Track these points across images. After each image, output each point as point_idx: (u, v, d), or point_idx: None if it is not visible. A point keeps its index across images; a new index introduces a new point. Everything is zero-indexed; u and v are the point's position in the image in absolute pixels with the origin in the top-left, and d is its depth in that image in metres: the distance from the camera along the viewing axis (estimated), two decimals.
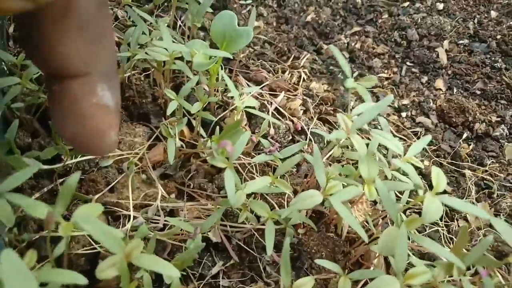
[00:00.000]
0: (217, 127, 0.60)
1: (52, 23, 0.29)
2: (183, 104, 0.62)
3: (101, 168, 0.63)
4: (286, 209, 0.52)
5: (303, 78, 0.86)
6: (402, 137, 0.79)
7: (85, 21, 0.30)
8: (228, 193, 0.46)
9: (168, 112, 0.60)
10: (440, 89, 0.92)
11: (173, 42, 0.72)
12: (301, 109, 0.79)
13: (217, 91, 0.74)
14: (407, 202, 0.56)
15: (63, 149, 0.59)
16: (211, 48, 0.64)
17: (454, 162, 0.77)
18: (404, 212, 0.62)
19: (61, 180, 0.59)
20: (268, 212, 0.53)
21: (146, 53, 0.62)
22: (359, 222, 0.48)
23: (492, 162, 0.78)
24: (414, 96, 0.89)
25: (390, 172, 0.53)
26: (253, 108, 0.60)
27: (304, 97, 0.81)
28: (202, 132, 0.69)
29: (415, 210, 0.62)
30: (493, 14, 1.10)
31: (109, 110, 0.33)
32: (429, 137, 0.54)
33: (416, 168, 0.53)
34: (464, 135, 0.82)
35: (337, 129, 0.78)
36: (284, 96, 0.79)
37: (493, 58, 0.99)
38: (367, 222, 0.56)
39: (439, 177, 0.47)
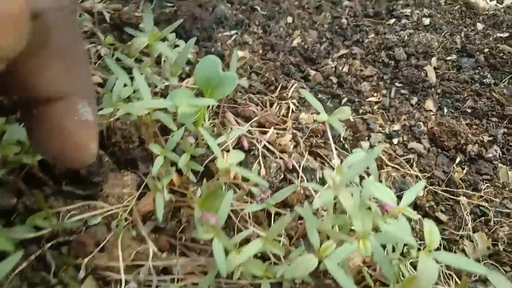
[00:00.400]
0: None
1: (33, 55, 0.32)
2: (170, 157, 0.61)
3: (90, 227, 0.62)
4: (281, 267, 0.51)
5: (292, 109, 0.85)
6: (395, 166, 0.78)
7: (62, 50, 0.34)
8: (218, 265, 0.45)
9: (155, 169, 0.58)
10: (431, 110, 0.91)
11: (155, 93, 0.71)
12: (291, 144, 0.78)
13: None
14: (402, 255, 0.55)
15: (48, 213, 0.58)
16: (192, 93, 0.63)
17: (449, 189, 0.76)
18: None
19: (49, 244, 0.58)
20: (263, 271, 0.51)
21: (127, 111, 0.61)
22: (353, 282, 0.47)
23: (487, 186, 0.77)
24: (404, 119, 0.88)
25: (384, 224, 0.52)
26: (240, 164, 0.58)
27: (294, 131, 0.79)
28: (192, 177, 0.68)
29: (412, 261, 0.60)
30: (480, 26, 1.10)
31: (89, 125, 0.37)
32: (422, 183, 0.53)
33: (410, 220, 0.52)
34: (457, 159, 0.81)
35: (329, 163, 0.77)
36: (273, 131, 0.78)
37: (481, 73, 0.98)
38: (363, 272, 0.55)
39: (432, 234, 0.46)
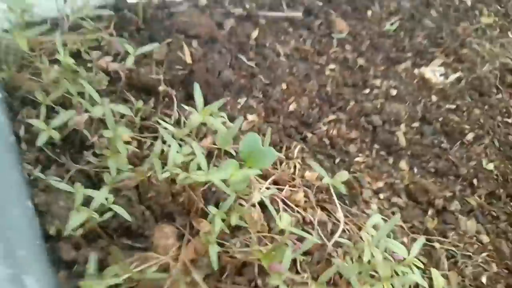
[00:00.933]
0: None
1: None
2: (221, 216, 0.73)
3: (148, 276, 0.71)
4: None
5: (298, 168, 1.01)
6: (385, 217, 0.96)
7: None
8: None
9: (216, 229, 0.70)
10: (404, 169, 1.12)
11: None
12: (304, 200, 0.93)
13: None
14: None
15: (126, 264, 0.66)
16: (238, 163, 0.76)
17: (426, 236, 0.95)
18: None
19: None
20: None
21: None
22: None
23: (453, 234, 0.98)
24: (385, 177, 1.08)
25: (400, 270, 0.68)
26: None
27: (305, 188, 0.95)
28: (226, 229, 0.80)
29: None
30: (434, 98, 1.36)
31: None
32: (422, 239, 0.70)
33: (418, 267, 0.69)
34: (429, 212, 1.02)
35: (334, 216, 0.93)
36: (288, 188, 0.93)
37: (439, 139, 1.23)
38: None
39: (438, 279, 0.63)
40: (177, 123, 1.05)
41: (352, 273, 0.65)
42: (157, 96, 1.11)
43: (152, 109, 1.07)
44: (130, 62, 1.05)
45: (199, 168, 0.77)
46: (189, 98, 1.11)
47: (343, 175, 0.91)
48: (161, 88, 1.10)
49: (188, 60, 1.21)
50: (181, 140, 0.87)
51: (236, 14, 1.42)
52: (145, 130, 1.03)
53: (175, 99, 1.08)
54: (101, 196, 0.73)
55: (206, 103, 1.01)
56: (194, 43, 1.27)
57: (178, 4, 1.42)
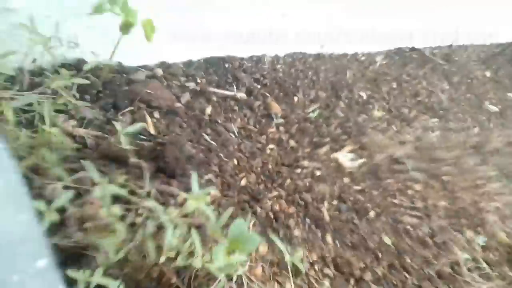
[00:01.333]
0: None
1: None
2: None
3: None
4: None
5: None
6: None
7: None
8: None
9: None
10: (330, 242, 1.38)
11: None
12: (261, 273, 1.09)
13: None
14: None
15: None
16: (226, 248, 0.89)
17: None
18: None
19: None
20: None
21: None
22: None
23: None
24: (318, 250, 1.31)
25: None
26: None
27: (262, 263, 1.11)
28: None
29: None
30: (346, 180, 1.68)
31: None
32: None
33: None
34: (351, 281, 1.27)
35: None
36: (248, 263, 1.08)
37: (352, 215, 1.53)
38: None
39: None
40: (148, 196, 1.12)
41: None
42: (127, 166, 1.16)
43: (126, 181, 1.12)
44: (124, 140, 1.08)
45: (191, 251, 0.87)
46: (158, 171, 1.20)
47: (299, 252, 1.11)
48: (132, 159, 1.16)
49: (152, 131, 1.30)
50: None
51: (190, 88, 1.56)
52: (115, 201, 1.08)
53: (146, 172, 1.15)
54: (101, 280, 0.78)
55: (174, 176, 1.12)
56: (156, 114, 1.37)
57: (136, 71, 1.50)
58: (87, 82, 1.16)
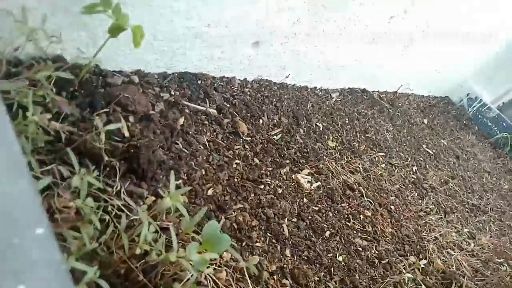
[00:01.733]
0: None
1: None
2: None
3: None
4: None
5: None
6: None
7: None
8: None
9: None
10: (288, 256, 1.44)
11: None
12: (225, 278, 1.12)
13: None
14: None
15: None
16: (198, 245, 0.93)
17: None
18: None
19: None
20: None
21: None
22: None
23: None
24: (277, 262, 1.37)
25: None
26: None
27: (226, 268, 1.15)
28: None
29: None
30: (305, 199, 1.77)
31: None
32: None
33: None
34: None
35: None
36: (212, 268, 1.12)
37: (309, 233, 1.61)
38: None
39: None
40: (117, 195, 1.13)
41: None
42: (99, 164, 1.17)
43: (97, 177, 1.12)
44: (103, 137, 1.09)
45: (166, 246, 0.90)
46: (129, 171, 1.21)
47: (254, 259, 1.16)
48: (106, 158, 1.17)
49: (126, 133, 1.31)
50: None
51: (164, 98, 1.60)
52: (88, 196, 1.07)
53: (118, 171, 1.16)
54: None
55: (144, 179, 1.15)
56: (131, 118, 1.39)
57: (112, 75, 1.52)
58: (70, 76, 1.17)
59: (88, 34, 1.33)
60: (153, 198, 1.17)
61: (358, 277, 1.56)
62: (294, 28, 2.01)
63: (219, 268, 1.13)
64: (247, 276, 1.12)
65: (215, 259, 1.15)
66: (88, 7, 1.18)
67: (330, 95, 2.87)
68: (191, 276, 0.89)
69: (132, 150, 1.25)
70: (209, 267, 1.04)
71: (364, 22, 2.30)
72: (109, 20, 1.21)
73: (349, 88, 3.04)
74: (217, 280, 1.07)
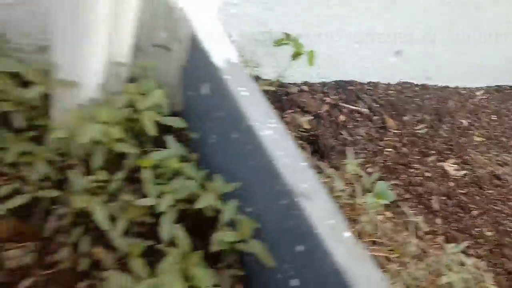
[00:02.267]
0: None
1: None
2: None
3: None
4: None
5: None
6: None
7: None
8: None
9: None
10: (439, 223, 1.72)
11: None
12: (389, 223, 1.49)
13: None
14: None
15: None
16: None
17: None
18: None
19: None
20: None
21: None
22: None
23: None
24: (429, 226, 1.66)
25: None
26: None
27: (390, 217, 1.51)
28: None
29: None
30: (451, 184, 2.01)
31: None
32: None
33: None
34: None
35: None
36: None
37: (457, 210, 1.84)
38: None
39: None
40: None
41: None
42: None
43: None
44: (306, 125, 1.60)
45: None
46: (314, 152, 1.68)
47: (411, 214, 1.49)
48: (298, 141, 1.67)
49: (307, 126, 1.80)
50: None
51: (327, 101, 2.06)
52: None
53: (308, 151, 1.64)
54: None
55: (324, 156, 1.58)
56: (307, 116, 1.87)
57: (290, 86, 2.04)
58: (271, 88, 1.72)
59: (276, 59, 1.87)
60: (332, 169, 1.61)
61: (507, 251, 1.73)
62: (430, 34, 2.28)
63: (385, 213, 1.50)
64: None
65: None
66: (278, 40, 1.72)
67: (474, 93, 2.96)
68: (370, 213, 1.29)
69: (312, 138, 1.72)
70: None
71: None
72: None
73: (496, 85, 3.08)
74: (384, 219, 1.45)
